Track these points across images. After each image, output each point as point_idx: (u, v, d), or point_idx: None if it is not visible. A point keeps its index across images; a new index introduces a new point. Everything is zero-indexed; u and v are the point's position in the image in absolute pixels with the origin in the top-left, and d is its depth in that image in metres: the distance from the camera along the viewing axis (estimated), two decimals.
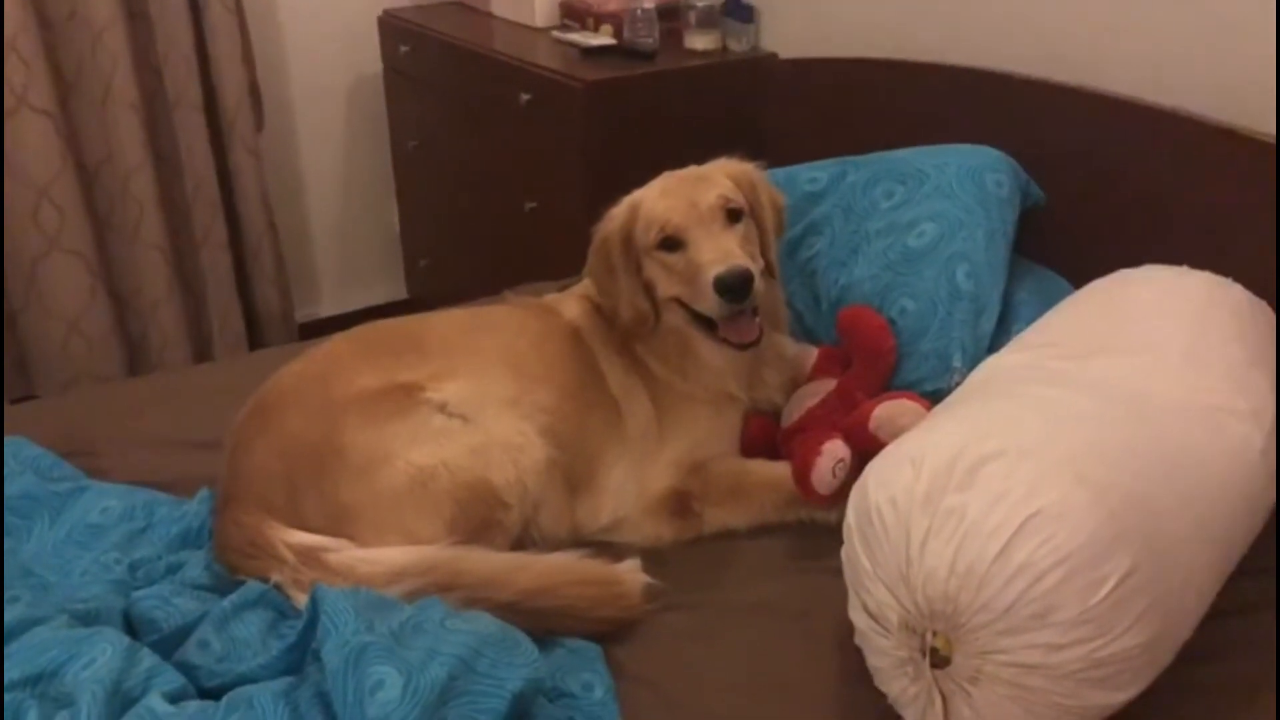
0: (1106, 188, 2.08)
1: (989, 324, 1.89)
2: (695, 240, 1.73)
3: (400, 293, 3.89)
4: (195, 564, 1.57)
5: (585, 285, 1.94)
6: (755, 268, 1.70)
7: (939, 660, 1.26)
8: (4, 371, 3.10)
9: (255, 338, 3.52)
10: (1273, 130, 1.85)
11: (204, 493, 1.73)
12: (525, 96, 2.80)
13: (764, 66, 2.84)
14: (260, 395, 1.72)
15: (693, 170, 1.85)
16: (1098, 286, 1.80)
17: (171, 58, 3.10)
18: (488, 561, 1.53)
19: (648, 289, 1.78)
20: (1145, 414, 1.43)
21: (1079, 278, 2.06)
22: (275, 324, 3.51)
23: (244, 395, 2.04)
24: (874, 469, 1.37)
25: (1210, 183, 1.91)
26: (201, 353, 3.40)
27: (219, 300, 3.37)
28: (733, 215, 1.76)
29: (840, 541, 1.62)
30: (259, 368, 2.27)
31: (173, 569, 1.58)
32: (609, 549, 1.67)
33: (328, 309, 3.83)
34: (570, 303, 1.91)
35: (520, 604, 1.46)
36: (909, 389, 1.84)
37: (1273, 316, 1.71)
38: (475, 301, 2.54)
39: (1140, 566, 1.23)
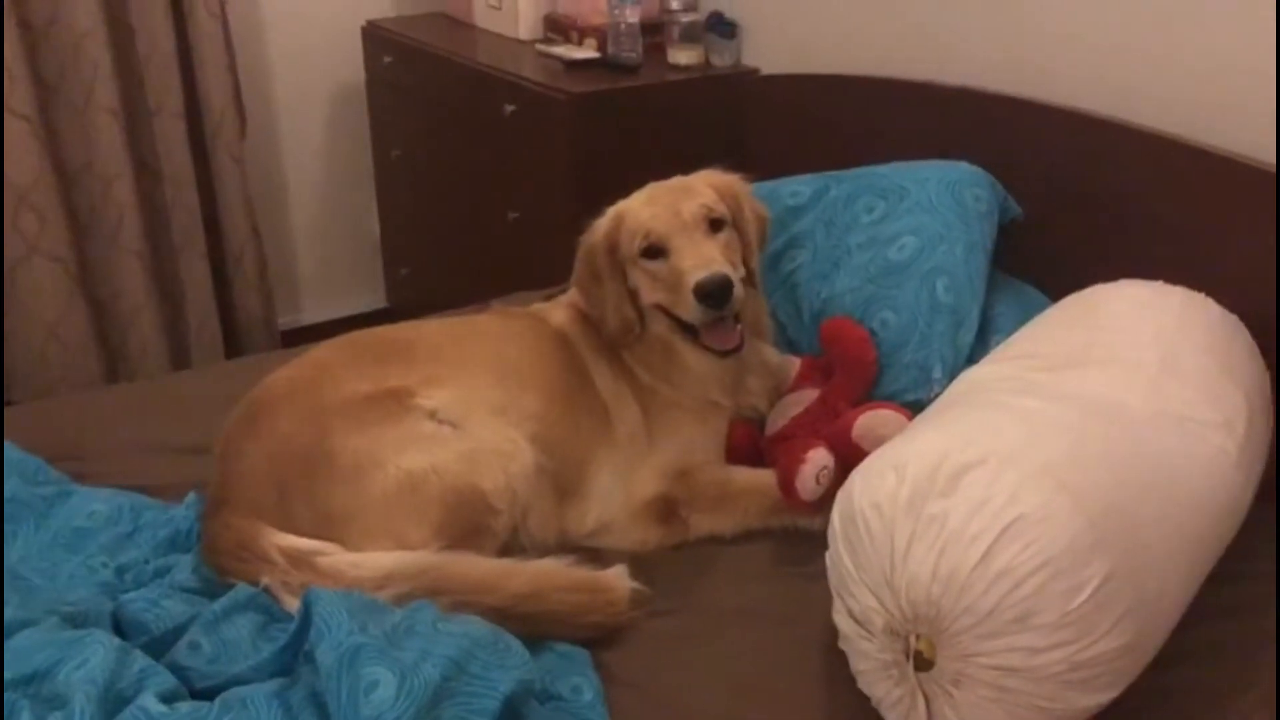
0: (1082, 204, 2.12)
1: (968, 336, 1.92)
2: (677, 248, 1.76)
3: (380, 301, 3.89)
4: (184, 567, 1.58)
5: (572, 294, 1.96)
6: (735, 275, 1.73)
7: (922, 663, 1.29)
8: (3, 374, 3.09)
9: (236, 345, 3.51)
10: (1246, 150, 1.89)
11: (191, 497, 1.74)
12: (510, 107, 2.82)
13: (746, 82, 2.88)
14: (251, 400, 1.73)
15: (677, 180, 1.88)
16: (1074, 300, 1.84)
17: (153, 64, 3.10)
18: (477, 566, 1.54)
19: (633, 297, 1.81)
20: (1123, 425, 1.47)
21: (1055, 292, 2.10)
22: (257, 331, 3.51)
23: (229, 401, 2.04)
24: (859, 475, 1.40)
25: (1184, 200, 1.96)
26: (180, 360, 3.39)
27: (198, 307, 3.36)
28: (715, 224, 1.79)
29: (823, 547, 1.66)
30: (242, 374, 2.29)
31: (161, 572, 1.58)
32: (595, 555, 1.69)
33: (309, 316, 3.83)
34: (557, 311, 1.93)
35: (509, 609, 1.48)
36: (890, 399, 1.87)
37: (1244, 330, 1.75)
38: (459, 310, 2.55)
39: (1119, 572, 1.27)
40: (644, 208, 1.81)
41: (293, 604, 1.49)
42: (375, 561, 1.53)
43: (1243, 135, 1.90)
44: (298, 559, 1.53)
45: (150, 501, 1.76)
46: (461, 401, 1.68)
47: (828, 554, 1.45)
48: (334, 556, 1.54)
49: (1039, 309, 2.07)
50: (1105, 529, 1.28)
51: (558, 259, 2.83)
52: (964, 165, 2.13)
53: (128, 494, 1.77)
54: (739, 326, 1.76)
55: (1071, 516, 1.27)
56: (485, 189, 3.05)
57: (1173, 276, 1.82)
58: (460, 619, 1.35)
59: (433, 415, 1.66)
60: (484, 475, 1.62)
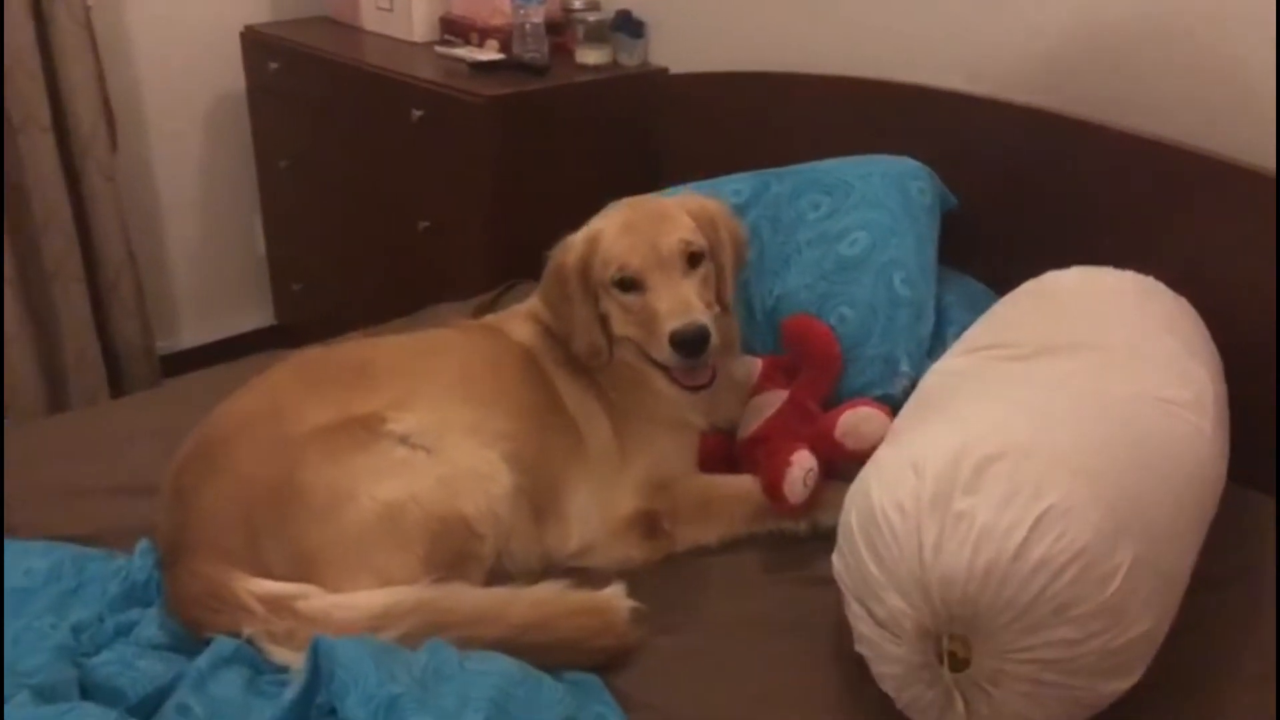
0: (1013, 195, 2.16)
1: (927, 328, 1.94)
2: (654, 285, 1.69)
3: (268, 319, 3.72)
4: (149, 622, 1.45)
5: (531, 305, 1.88)
6: (712, 321, 1.67)
7: (957, 664, 1.28)
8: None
9: (114, 375, 3.29)
10: (1187, 138, 1.95)
11: (144, 544, 1.60)
12: (417, 113, 2.72)
13: (656, 81, 2.85)
14: (202, 435, 1.60)
15: (655, 205, 1.81)
16: (1030, 289, 1.86)
17: (16, 76, 2.88)
18: (473, 598, 1.46)
19: (603, 322, 1.75)
20: (1110, 409, 1.48)
21: (993, 282, 2.14)
22: (136, 359, 3.29)
23: (154, 436, 1.92)
24: (874, 476, 1.38)
25: (1122, 189, 2.01)
26: (58, 393, 3.16)
27: (74, 335, 3.14)
28: (693, 259, 1.72)
29: (813, 549, 1.65)
30: (158, 406, 2.16)
31: (123, 630, 1.45)
32: (581, 575, 1.63)
33: (189, 340, 3.63)
34: (518, 323, 1.86)
35: (513, 640, 1.41)
36: (857, 394, 1.87)
37: (1194, 311, 1.81)
38: (374, 328, 2.44)
39: (1142, 555, 1.28)
40: (620, 237, 1.73)
41: (280, 654, 1.39)
42: (363, 601, 1.44)
43: (1183, 124, 1.96)
44: (277, 605, 1.43)
45: (92, 552, 1.61)
46: (433, 424, 1.60)
47: (837, 557, 1.43)
48: (316, 599, 1.44)
49: (983, 300, 2.10)
50: (1123, 514, 1.29)
51: (477, 267, 2.77)
52: (903, 159, 2.14)
53: (64, 545, 1.62)
54: (711, 364, 1.70)
55: (1094, 503, 1.27)
56: (391, 198, 2.94)
57: (1117, 263, 1.87)
58: (482, 656, 1.28)
59: (405, 440, 1.57)
60: (465, 500, 1.54)
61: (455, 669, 1.20)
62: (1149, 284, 1.82)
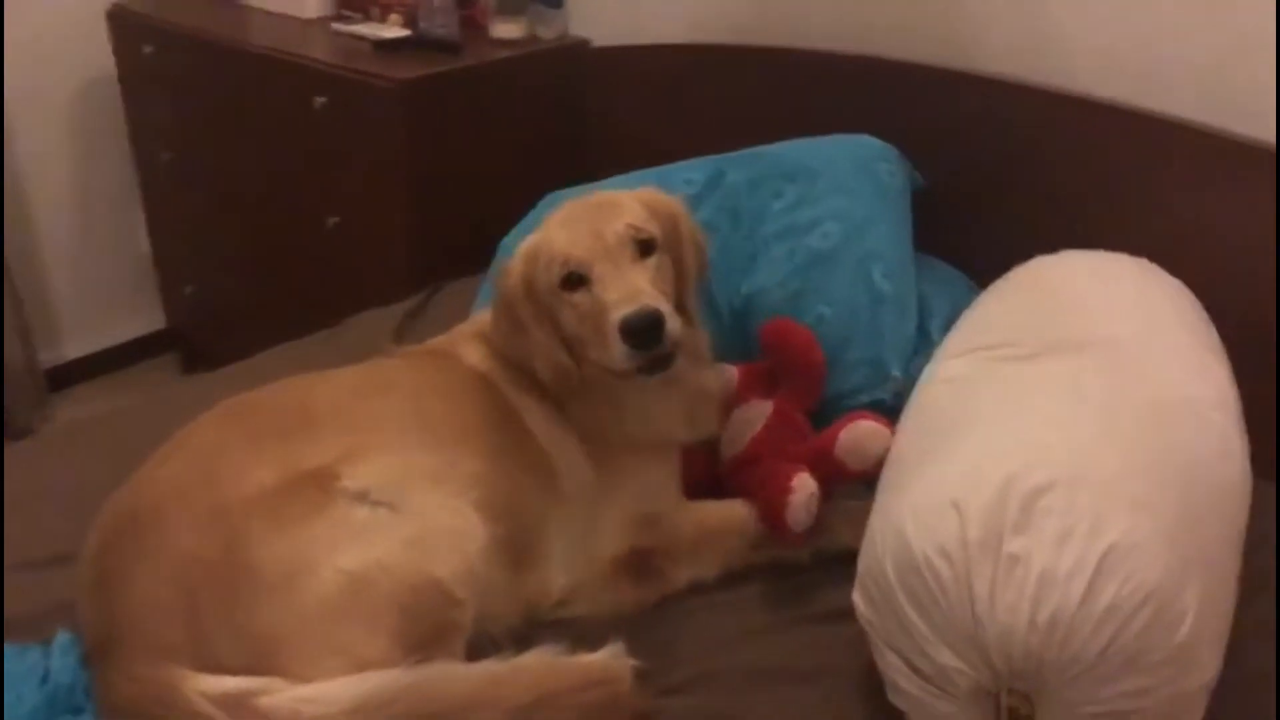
0: (981, 172, 2.05)
1: (912, 325, 1.81)
2: (600, 276, 1.48)
3: (158, 323, 3.43)
4: None
5: (480, 324, 1.69)
6: (667, 308, 1.46)
7: None
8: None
9: None
10: (1167, 107, 1.85)
11: (63, 639, 1.37)
12: (320, 99, 2.47)
13: (578, 55, 2.65)
14: (125, 507, 1.38)
15: (601, 195, 1.62)
16: (1023, 277, 1.74)
17: None
18: (461, 680, 1.29)
19: (566, 340, 1.55)
20: (1144, 419, 1.37)
21: (967, 265, 2.03)
22: (18, 376, 3.00)
23: (47, 494, 1.69)
24: (909, 518, 1.24)
25: (1104, 163, 1.90)
26: None
27: None
28: (644, 247, 1.52)
29: (816, 577, 1.52)
30: (59, 449, 1.90)
31: None
32: (565, 628, 1.47)
33: (74, 350, 3.32)
34: (468, 346, 1.66)
35: None
36: (842, 400, 1.74)
37: (1191, 294, 1.71)
38: (293, 341, 2.22)
39: (1207, 592, 1.18)
40: (559, 231, 1.53)
41: None
42: (333, 692, 1.24)
43: (1162, 93, 1.86)
44: (235, 705, 1.23)
45: None
46: (393, 475, 1.40)
47: (864, 603, 1.29)
48: (280, 693, 1.24)
49: (960, 287, 2.00)
50: (1185, 546, 1.19)
51: (397, 266, 2.55)
52: (864, 138, 2.00)
53: None
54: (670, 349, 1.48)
55: (1157, 538, 1.16)
56: (293, 192, 2.69)
57: (1100, 244, 1.77)
58: None
59: (363, 498, 1.36)
60: (438, 562, 1.35)
61: None
62: (1145, 267, 1.71)
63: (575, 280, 1.50)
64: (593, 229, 1.51)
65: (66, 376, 3.30)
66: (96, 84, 3.11)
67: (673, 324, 1.45)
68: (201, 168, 2.93)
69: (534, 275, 1.54)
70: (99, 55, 3.02)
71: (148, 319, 3.43)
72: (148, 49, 2.87)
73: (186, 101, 2.88)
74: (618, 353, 1.44)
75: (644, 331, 1.42)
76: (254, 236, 2.88)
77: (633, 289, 1.46)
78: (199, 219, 3.05)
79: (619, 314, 1.43)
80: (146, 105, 3.02)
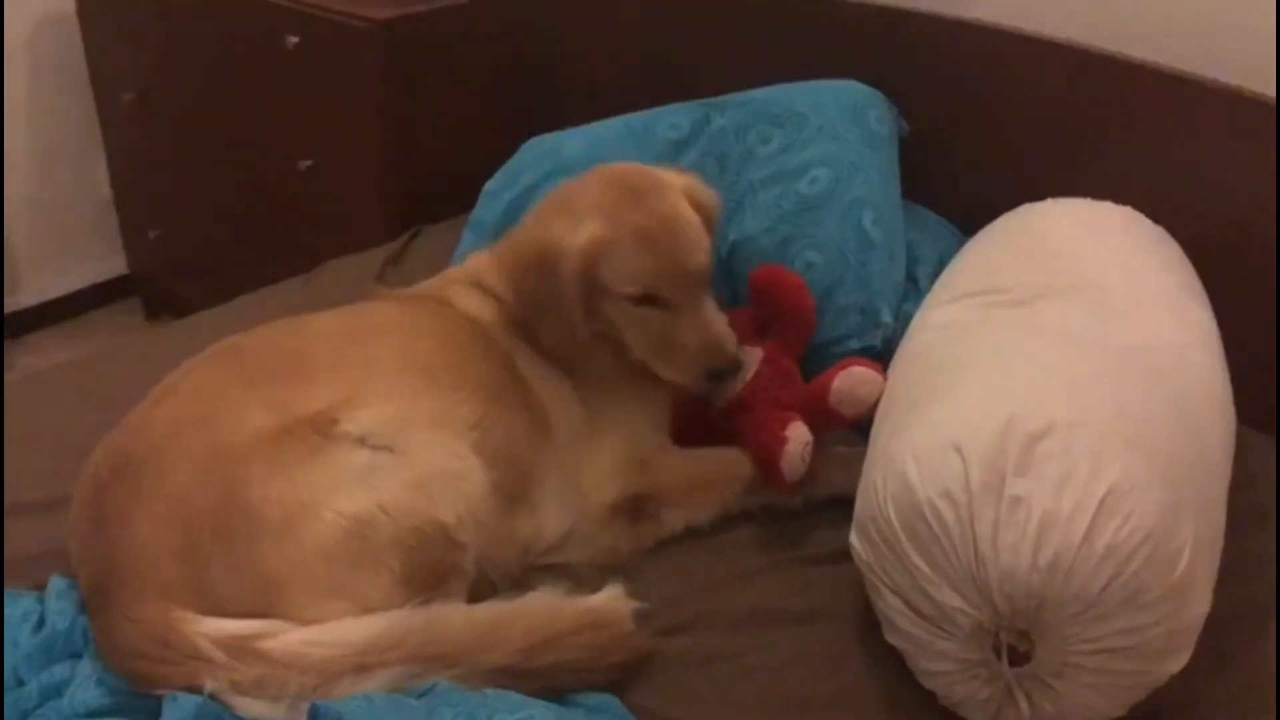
0: (969, 119, 2.05)
1: (901, 271, 1.82)
2: (679, 308, 1.55)
3: (120, 268, 3.36)
4: (83, 682, 1.22)
5: (473, 270, 1.68)
6: (736, 343, 1.58)
7: (1018, 658, 1.19)
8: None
9: None
10: (1148, 54, 1.86)
11: (59, 583, 1.36)
12: (293, 39, 2.42)
13: None
14: (119, 448, 1.36)
15: (666, 210, 1.56)
16: (1011, 224, 1.77)
17: None
18: (467, 621, 1.29)
19: (604, 333, 1.58)
20: (1136, 362, 1.39)
21: (952, 213, 2.04)
22: None
23: (28, 436, 1.66)
24: (911, 461, 1.25)
25: (1085, 109, 1.91)
26: None
27: None
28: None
29: (808, 521, 1.54)
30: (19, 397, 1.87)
31: (51, 693, 1.22)
32: (562, 571, 1.48)
33: (32, 296, 3.25)
34: (460, 292, 1.65)
35: (517, 666, 1.26)
36: (831, 346, 1.75)
37: (1174, 241, 1.74)
38: (268, 287, 2.20)
39: (1200, 531, 1.21)
40: (640, 253, 1.52)
41: (252, 709, 1.20)
42: (342, 634, 1.25)
43: (1144, 39, 1.87)
44: (238, 647, 1.23)
45: None
46: (392, 419, 1.39)
47: (863, 545, 1.31)
48: (285, 635, 1.24)
49: (945, 234, 2.01)
50: (1179, 486, 1.22)
51: (372, 211, 2.52)
52: (853, 84, 2.00)
53: None
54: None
55: (1154, 481, 1.19)
56: (264, 134, 2.64)
57: (1086, 192, 1.78)
58: (503, 698, 1.12)
59: (363, 442, 1.35)
60: (441, 505, 1.35)
61: None
62: (1130, 215, 1.74)
63: (650, 300, 1.54)
64: (675, 261, 1.54)
65: (25, 322, 3.23)
66: (52, 22, 3.01)
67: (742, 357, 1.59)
68: (166, 108, 2.87)
69: (596, 275, 1.53)
70: None
71: (108, 264, 3.36)
72: None
73: (148, 40, 2.81)
74: (691, 379, 1.57)
75: (726, 374, 1.58)
76: (221, 179, 2.83)
77: (716, 335, 1.56)
78: (163, 161, 2.98)
79: (709, 363, 1.55)
80: (105, 44, 2.94)
